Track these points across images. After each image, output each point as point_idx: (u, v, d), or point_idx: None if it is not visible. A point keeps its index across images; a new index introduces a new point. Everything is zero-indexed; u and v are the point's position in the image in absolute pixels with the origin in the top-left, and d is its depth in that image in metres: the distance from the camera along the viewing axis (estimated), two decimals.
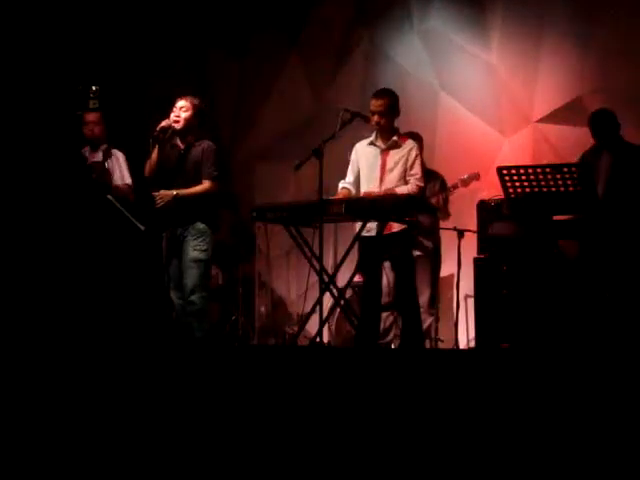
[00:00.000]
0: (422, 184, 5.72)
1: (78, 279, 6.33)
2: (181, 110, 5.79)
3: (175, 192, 5.71)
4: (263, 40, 8.77)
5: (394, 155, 5.72)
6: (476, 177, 6.86)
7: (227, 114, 8.98)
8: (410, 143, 5.79)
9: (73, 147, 6.49)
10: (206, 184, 5.78)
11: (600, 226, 5.42)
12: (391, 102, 5.70)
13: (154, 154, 5.76)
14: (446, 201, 6.77)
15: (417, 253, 6.52)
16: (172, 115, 5.79)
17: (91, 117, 6.55)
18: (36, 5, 7.65)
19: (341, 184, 5.88)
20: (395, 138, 5.75)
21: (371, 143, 5.82)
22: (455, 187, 6.81)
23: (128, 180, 6.46)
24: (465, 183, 6.84)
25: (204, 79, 9.02)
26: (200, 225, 5.77)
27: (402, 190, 5.62)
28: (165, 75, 9.00)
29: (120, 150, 6.54)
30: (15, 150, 7.31)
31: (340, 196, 5.83)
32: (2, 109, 7.34)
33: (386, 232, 5.64)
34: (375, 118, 5.68)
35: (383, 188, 5.66)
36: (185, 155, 5.83)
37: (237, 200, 8.22)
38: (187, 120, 5.79)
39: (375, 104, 5.69)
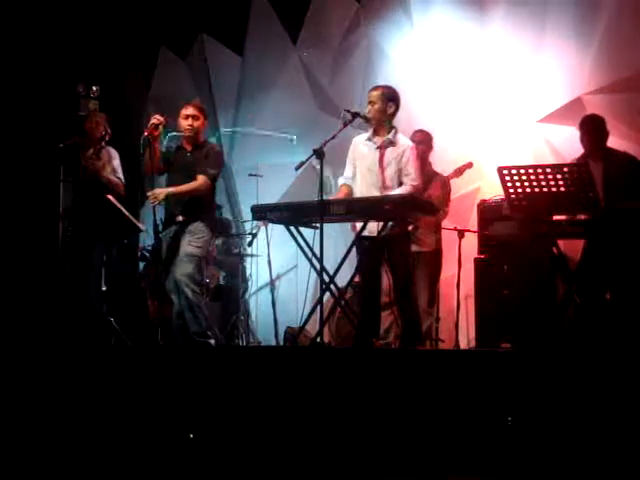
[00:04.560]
0: (416, 183, 5.70)
1: (77, 279, 6.34)
2: (193, 119, 5.84)
3: (168, 190, 5.76)
4: (263, 39, 8.78)
5: (389, 153, 5.73)
6: (468, 166, 6.89)
7: (227, 114, 8.99)
8: (405, 142, 5.78)
9: (72, 147, 6.49)
10: (199, 180, 5.81)
11: (601, 226, 5.41)
12: (385, 93, 5.73)
13: (147, 153, 5.75)
14: (445, 201, 6.76)
15: (417, 249, 6.48)
16: (184, 123, 5.83)
17: (97, 119, 6.54)
18: (36, 5, 7.66)
19: (341, 180, 5.90)
20: (390, 136, 5.75)
21: (368, 139, 5.83)
22: (449, 178, 6.83)
23: (120, 175, 6.47)
24: (459, 173, 6.87)
25: (204, 79, 9.03)
26: (199, 224, 5.81)
27: (396, 193, 5.62)
28: (165, 75, 9.03)
29: (115, 149, 6.55)
30: (12, 150, 7.33)
31: (341, 194, 5.84)
32: (1, 110, 7.35)
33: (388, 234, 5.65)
34: (368, 107, 5.72)
35: (381, 185, 5.67)
36: (191, 157, 5.90)
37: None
38: (199, 128, 5.90)
39: (369, 95, 5.76)
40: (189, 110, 5.88)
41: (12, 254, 7.22)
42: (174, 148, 6.00)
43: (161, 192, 5.76)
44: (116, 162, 6.48)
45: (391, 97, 5.76)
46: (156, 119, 5.73)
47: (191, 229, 5.79)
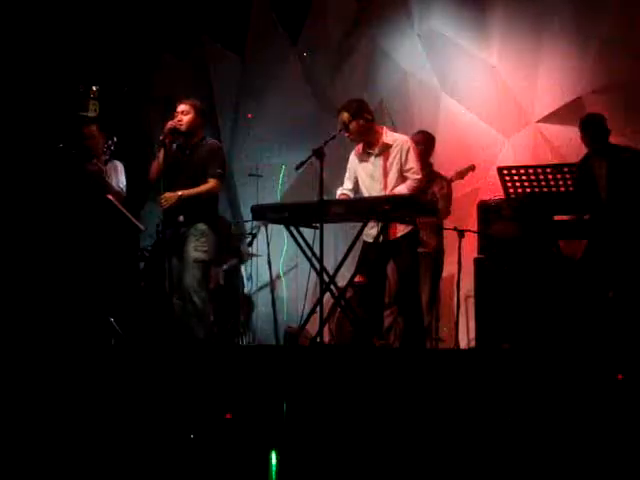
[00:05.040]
0: (419, 176, 5.69)
1: (78, 279, 6.33)
2: (183, 114, 5.82)
3: (180, 193, 5.69)
4: (263, 40, 8.79)
5: (389, 155, 5.72)
6: (471, 169, 6.89)
7: (227, 114, 9.00)
8: (399, 138, 5.77)
9: (72, 147, 6.49)
10: (211, 183, 5.77)
11: (602, 226, 5.41)
12: (349, 114, 5.65)
13: (160, 156, 5.75)
14: (447, 199, 6.78)
15: (420, 250, 6.51)
16: (175, 120, 5.82)
17: (90, 132, 6.56)
18: (36, 5, 7.66)
19: (339, 190, 5.89)
20: (384, 140, 5.74)
21: (365, 151, 5.81)
22: (451, 180, 6.84)
23: (122, 183, 6.48)
24: (461, 175, 6.86)
25: (204, 79, 9.04)
26: (202, 226, 5.75)
27: (401, 190, 5.62)
28: (165, 76, 9.03)
29: (120, 161, 6.58)
30: (14, 150, 7.33)
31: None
32: (2, 109, 7.35)
33: (392, 236, 5.64)
34: (345, 134, 5.70)
35: (383, 189, 5.68)
36: (190, 155, 5.85)
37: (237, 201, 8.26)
38: (190, 122, 5.81)
39: (339, 121, 5.70)
40: (180, 107, 5.85)
41: (12, 254, 7.21)
42: (174, 147, 5.96)
43: (173, 195, 5.67)
44: (122, 177, 6.48)
45: (357, 111, 5.67)
46: (171, 124, 5.74)
47: (194, 232, 5.73)
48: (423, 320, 6.04)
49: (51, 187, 6.62)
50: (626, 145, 6.10)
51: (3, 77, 7.39)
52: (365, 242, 5.69)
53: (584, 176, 5.17)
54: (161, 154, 5.74)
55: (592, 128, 5.87)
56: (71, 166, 6.44)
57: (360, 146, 5.83)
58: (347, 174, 5.90)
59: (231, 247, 7.98)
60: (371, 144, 5.77)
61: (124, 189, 6.49)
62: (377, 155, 5.75)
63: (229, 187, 8.82)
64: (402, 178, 5.69)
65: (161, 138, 5.72)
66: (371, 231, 5.65)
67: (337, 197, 5.88)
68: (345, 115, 5.68)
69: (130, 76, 8.60)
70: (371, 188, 5.75)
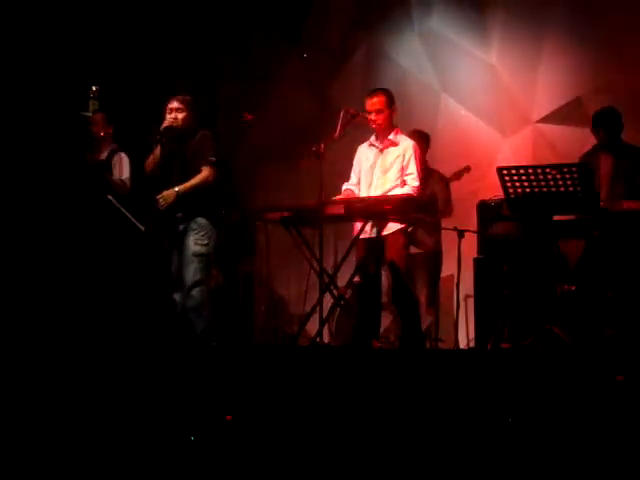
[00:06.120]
0: (418, 183, 5.70)
1: (78, 278, 6.33)
2: (177, 112, 5.79)
3: (177, 189, 5.67)
4: (263, 40, 8.79)
5: (392, 154, 5.72)
6: (467, 170, 6.90)
7: (227, 114, 8.99)
8: (406, 141, 5.77)
9: (74, 147, 6.49)
10: (204, 172, 5.71)
11: (601, 226, 5.41)
12: (386, 99, 5.70)
13: (156, 153, 5.74)
14: (447, 200, 6.80)
15: (417, 251, 6.53)
16: (168, 117, 5.79)
17: (94, 119, 6.60)
18: (36, 5, 7.66)
19: (345, 186, 5.89)
20: (391, 137, 5.74)
21: (371, 144, 5.82)
22: (448, 181, 6.86)
23: (125, 175, 6.48)
24: (457, 176, 6.89)
25: (205, 79, 9.03)
26: (202, 220, 5.70)
27: (398, 193, 5.62)
28: (165, 76, 9.02)
29: (125, 152, 6.59)
30: (16, 150, 7.33)
31: (343, 196, 5.85)
32: (3, 109, 7.35)
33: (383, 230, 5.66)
34: (372, 117, 5.68)
35: (382, 188, 5.67)
36: (185, 149, 5.81)
37: (239, 199, 8.24)
38: (185, 119, 5.79)
39: (370, 102, 5.69)
40: (173, 104, 5.80)
41: (11, 254, 7.21)
42: (171, 144, 5.91)
43: (170, 194, 5.64)
44: (126, 169, 6.48)
45: (391, 99, 5.74)
46: (168, 122, 5.73)
47: (194, 226, 5.69)
48: (419, 319, 6.04)
49: (51, 186, 6.62)
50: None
51: (4, 77, 7.39)
52: (360, 239, 5.68)
53: (585, 171, 5.15)
54: (157, 150, 5.73)
55: (608, 121, 5.77)
56: (71, 165, 6.44)
57: (371, 139, 5.84)
58: (353, 168, 5.90)
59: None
60: (380, 137, 5.77)
61: (127, 182, 6.48)
62: (381, 150, 5.75)
63: (230, 187, 8.81)
64: (400, 180, 5.69)
65: (157, 137, 5.71)
66: (367, 227, 5.63)
67: (342, 191, 5.87)
68: (382, 99, 5.68)
69: (131, 76, 8.60)
70: (368, 182, 5.75)
